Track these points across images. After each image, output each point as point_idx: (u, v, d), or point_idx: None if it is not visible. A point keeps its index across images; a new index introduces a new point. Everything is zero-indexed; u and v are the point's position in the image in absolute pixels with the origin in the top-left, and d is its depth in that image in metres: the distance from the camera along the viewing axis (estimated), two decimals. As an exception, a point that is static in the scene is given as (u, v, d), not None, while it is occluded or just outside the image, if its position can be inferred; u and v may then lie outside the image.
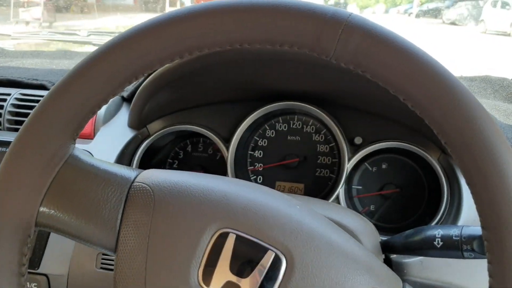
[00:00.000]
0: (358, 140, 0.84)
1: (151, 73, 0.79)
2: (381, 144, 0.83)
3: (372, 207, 0.87)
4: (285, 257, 0.39)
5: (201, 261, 0.39)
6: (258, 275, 0.39)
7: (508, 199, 0.34)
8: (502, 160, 0.34)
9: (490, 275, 0.35)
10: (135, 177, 0.44)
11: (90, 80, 0.40)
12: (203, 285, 0.39)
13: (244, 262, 0.39)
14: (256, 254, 0.39)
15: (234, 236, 0.40)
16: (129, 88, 0.91)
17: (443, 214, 0.77)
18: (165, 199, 0.41)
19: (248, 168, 0.95)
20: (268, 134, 0.94)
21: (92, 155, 0.83)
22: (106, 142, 0.86)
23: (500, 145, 0.34)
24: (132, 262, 0.40)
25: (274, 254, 0.39)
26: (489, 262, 0.35)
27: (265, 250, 0.39)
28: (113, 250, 0.42)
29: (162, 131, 0.88)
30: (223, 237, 0.40)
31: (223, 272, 0.39)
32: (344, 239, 0.42)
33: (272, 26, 0.38)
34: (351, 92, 0.82)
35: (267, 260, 0.39)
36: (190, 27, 0.38)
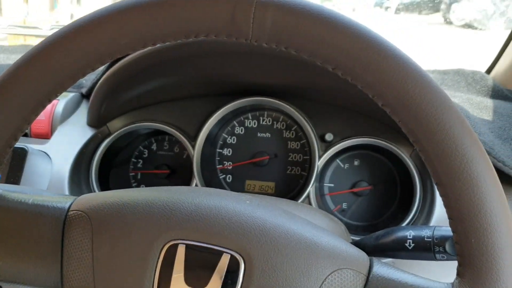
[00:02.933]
0: (329, 137, 0.81)
1: (109, 68, 0.75)
2: (352, 140, 0.80)
3: (344, 205, 0.85)
4: (242, 257, 0.36)
5: (153, 280, 0.36)
6: (216, 282, 0.36)
7: (474, 196, 0.33)
8: (463, 144, 0.33)
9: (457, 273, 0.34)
10: (70, 205, 0.41)
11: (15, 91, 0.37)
12: None
13: (199, 272, 0.37)
14: (211, 260, 0.37)
15: (184, 246, 0.37)
16: (88, 84, 0.86)
17: (416, 211, 0.74)
18: (104, 223, 0.39)
19: (217, 166, 0.91)
20: (237, 131, 0.91)
21: (50, 157, 0.79)
22: (63, 142, 0.81)
23: (460, 129, 0.33)
24: None
25: (229, 256, 0.36)
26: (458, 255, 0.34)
27: (220, 253, 0.37)
28: None
29: (123, 129, 0.83)
30: (172, 250, 0.37)
31: (179, 286, 0.36)
32: (301, 225, 0.39)
33: (183, 17, 0.36)
34: (321, 85, 0.79)
35: (224, 263, 0.36)
36: (100, 33, 0.36)
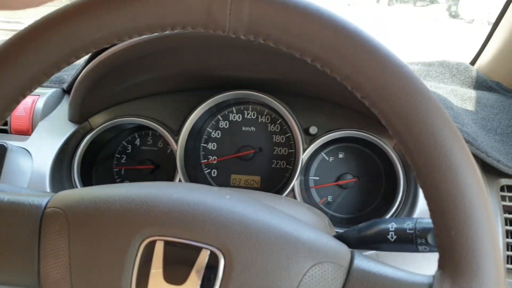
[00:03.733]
0: (313, 130, 0.81)
1: (89, 63, 0.73)
2: (336, 133, 0.80)
3: (329, 198, 0.85)
4: (221, 252, 0.36)
5: (131, 278, 0.35)
6: (196, 278, 0.35)
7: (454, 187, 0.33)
8: (442, 135, 0.33)
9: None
10: (47, 203, 0.40)
11: None
12: None
13: (178, 268, 0.36)
14: (190, 256, 0.36)
15: (162, 242, 0.36)
16: (69, 80, 0.85)
17: (399, 203, 0.74)
18: (80, 220, 0.38)
19: (202, 161, 0.90)
20: (221, 125, 0.90)
21: (30, 153, 0.78)
22: (44, 138, 0.80)
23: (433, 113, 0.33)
24: None
25: (209, 252, 0.36)
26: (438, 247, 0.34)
27: (199, 249, 0.36)
28: (36, 287, 0.38)
29: (104, 124, 0.82)
30: (150, 246, 0.36)
31: (158, 283, 0.35)
32: (281, 220, 0.39)
33: (159, 10, 0.35)
34: (305, 79, 0.78)
35: (203, 259, 0.36)
36: (73, 26, 0.35)
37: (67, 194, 0.40)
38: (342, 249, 0.38)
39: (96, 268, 0.36)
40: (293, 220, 0.40)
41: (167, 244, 0.36)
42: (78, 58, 0.38)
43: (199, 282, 0.35)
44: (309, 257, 0.36)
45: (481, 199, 0.33)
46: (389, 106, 0.34)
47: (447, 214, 0.33)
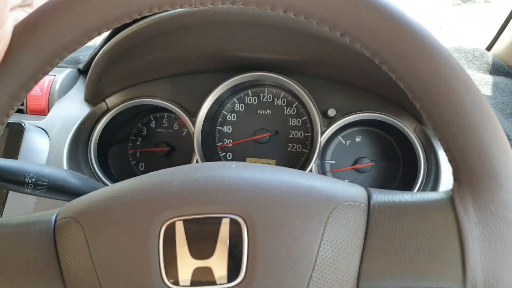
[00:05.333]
0: (331, 112, 0.80)
1: (106, 42, 0.73)
2: (355, 115, 0.79)
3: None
4: (241, 217, 0.35)
5: (159, 263, 0.35)
6: (223, 248, 0.35)
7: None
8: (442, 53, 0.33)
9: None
10: (56, 216, 0.39)
11: None
12: (171, 286, 0.35)
13: (204, 242, 0.35)
14: (212, 229, 0.35)
15: (182, 222, 0.35)
16: (85, 60, 0.84)
17: (420, 186, 0.74)
18: (94, 221, 0.37)
19: (217, 144, 0.90)
20: (237, 108, 0.89)
21: (47, 133, 0.78)
22: (61, 118, 0.79)
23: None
24: None
25: (229, 219, 0.35)
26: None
27: (219, 220, 0.35)
28: None
29: (121, 105, 0.82)
30: (170, 229, 0.35)
31: (186, 262, 0.35)
32: (291, 174, 0.39)
33: None
34: (323, 60, 0.77)
35: (225, 229, 0.35)
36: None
37: (74, 203, 0.40)
38: (357, 188, 0.38)
39: (121, 263, 0.36)
40: (303, 172, 0.40)
41: (186, 222, 0.35)
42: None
43: (227, 251, 0.35)
44: (326, 202, 0.36)
45: (481, 104, 0.33)
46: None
47: (450, 125, 0.33)
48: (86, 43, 0.37)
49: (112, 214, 0.37)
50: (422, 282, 0.34)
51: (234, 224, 0.35)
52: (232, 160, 0.90)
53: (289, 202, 0.36)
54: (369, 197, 0.37)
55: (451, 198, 0.34)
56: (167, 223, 0.35)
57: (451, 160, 0.34)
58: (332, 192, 0.36)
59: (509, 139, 0.72)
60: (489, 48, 1.10)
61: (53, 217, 0.39)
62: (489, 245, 0.32)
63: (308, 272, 0.34)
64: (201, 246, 0.35)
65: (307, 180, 0.38)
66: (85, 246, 0.36)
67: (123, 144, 0.90)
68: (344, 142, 0.85)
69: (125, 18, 0.35)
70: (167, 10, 0.37)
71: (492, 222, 0.32)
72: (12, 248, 0.38)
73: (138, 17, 0.36)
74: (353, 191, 0.37)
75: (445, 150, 0.34)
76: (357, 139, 0.85)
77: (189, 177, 0.38)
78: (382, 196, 0.36)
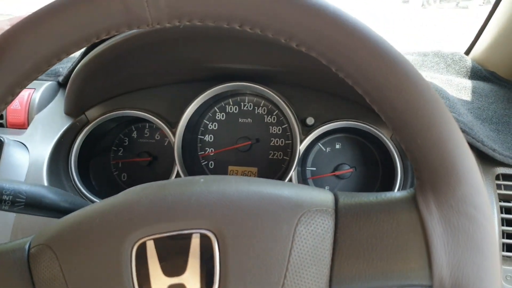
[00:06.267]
0: (310, 121, 0.81)
1: (85, 55, 0.73)
2: (333, 124, 0.80)
3: (326, 188, 0.85)
4: (211, 231, 0.36)
5: (133, 283, 0.35)
6: (195, 263, 0.35)
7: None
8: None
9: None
10: (30, 243, 0.39)
11: None
12: None
13: (175, 260, 0.36)
14: (183, 244, 0.36)
15: (152, 241, 0.36)
16: (64, 72, 0.84)
17: (398, 189, 0.75)
18: (66, 246, 0.37)
19: (199, 153, 0.90)
20: (218, 117, 0.90)
21: (27, 147, 0.78)
22: (41, 131, 0.80)
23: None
24: None
25: (199, 234, 0.36)
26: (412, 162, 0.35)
27: (189, 236, 0.36)
28: None
29: (102, 117, 0.82)
30: (141, 248, 0.36)
31: (160, 281, 0.35)
32: (259, 184, 0.39)
33: (79, 21, 0.35)
34: (300, 69, 0.78)
35: (196, 244, 0.36)
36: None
37: (46, 229, 0.40)
38: (325, 193, 0.38)
39: (96, 286, 0.36)
40: (271, 181, 0.40)
41: (157, 241, 0.36)
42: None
43: (199, 266, 0.35)
44: (294, 209, 0.36)
45: (436, 104, 0.34)
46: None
47: (408, 126, 0.34)
48: (46, 70, 0.37)
49: (84, 238, 0.37)
50: (392, 282, 0.35)
51: (204, 239, 0.35)
52: (214, 168, 0.90)
53: (257, 212, 0.36)
54: (336, 201, 0.37)
55: (414, 197, 0.35)
56: (138, 243, 0.36)
57: (412, 160, 0.35)
58: (300, 199, 0.37)
59: (483, 144, 0.74)
60: (467, 52, 1.12)
61: (27, 246, 0.39)
62: (452, 240, 0.33)
63: (280, 279, 0.35)
64: (174, 263, 0.36)
65: (275, 189, 0.38)
66: (59, 272, 0.37)
67: (105, 155, 0.90)
68: (324, 149, 0.86)
69: (84, 43, 0.36)
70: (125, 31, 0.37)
71: (454, 218, 0.33)
72: None
73: (97, 40, 0.36)
74: (321, 196, 0.38)
75: (405, 150, 0.35)
76: (337, 146, 0.86)
77: (157, 195, 0.38)
78: (349, 199, 0.37)
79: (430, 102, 0.33)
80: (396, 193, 0.36)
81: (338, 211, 0.36)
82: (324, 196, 0.38)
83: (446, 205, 0.33)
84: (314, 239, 0.35)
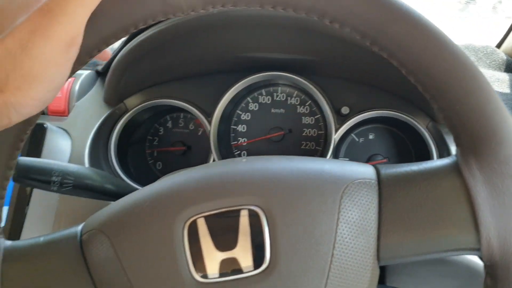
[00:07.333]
0: (345, 110, 0.82)
1: (125, 45, 0.75)
2: (368, 113, 0.80)
3: None
4: (259, 207, 0.37)
5: (186, 259, 0.37)
6: (245, 237, 0.36)
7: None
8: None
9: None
10: (81, 229, 0.41)
11: None
12: (201, 279, 0.36)
13: (226, 235, 0.37)
14: (232, 221, 0.37)
15: (203, 218, 0.37)
16: (103, 62, 0.86)
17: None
18: (118, 229, 0.39)
19: (232, 143, 0.91)
20: (251, 107, 0.91)
21: (69, 133, 0.80)
22: (82, 119, 0.82)
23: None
24: None
25: (247, 210, 0.37)
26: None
27: (237, 212, 0.37)
28: None
29: (140, 106, 0.84)
30: (193, 226, 0.37)
31: (212, 256, 0.36)
32: (301, 160, 0.40)
33: (118, 13, 0.36)
34: (336, 59, 0.79)
35: (245, 219, 0.37)
36: None
37: (96, 216, 0.41)
38: (365, 166, 0.39)
39: (151, 265, 0.37)
40: (312, 158, 0.41)
41: (207, 218, 0.37)
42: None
43: (250, 240, 0.36)
44: (338, 182, 0.37)
45: (472, 71, 0.34)
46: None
47: (446, 94, 0.34)
48: (88, 61, 0.38)
49: (136, 220, 0.38)
50: (440, 247, 0.35)
51: (253, 214, 0.36)
52: (247, 158, 0.91)
53: (302, 187, 0.37)
54: (378, 173, 0.38)
55: (456, 163, 0.36)
56: (189, 221, 0.37)
57: (451, 127, 0.35)
58: (342, 172, 0.38)
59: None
60: (499, 45, 1.11)
61: (78, 232, 0.40)
62: (497, 201, 0.33)
63: (330, 250, 0.36)
64: (225, 239, 0.37)
65: (317, 164, 0.39)
66: (114, 255, 0.38)
67: (140, 143, 0.92)
68: (357, 140, 0.87)
69: (123, 33, 0.37)
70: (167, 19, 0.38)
71: (497, 180, 0.33)
72: (44, 268, 0.39)
73: (135, 30, 0.37)
74: (362, 169, 0.38)
75: (444, 119, 0.35)
76: (370, 136, 0.87)
77: (204, 175, 0.40)
78: (390, 170, 0.38)
79: (466, 68, 0.34)
80: (437, 161, 0.37)
81: (380, 181, 0.37)
82: (365, 169, 0.38)
83: (489, 168, 0.34)
84: (359, 210, 0.36)
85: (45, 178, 0.58)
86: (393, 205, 0.36)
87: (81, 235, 0.40)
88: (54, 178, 0.59)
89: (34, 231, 0.72)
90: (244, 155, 0.91)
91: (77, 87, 0.84)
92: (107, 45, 0.38)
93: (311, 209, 0.36)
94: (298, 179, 0.37)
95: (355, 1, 0.35)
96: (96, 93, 0.85)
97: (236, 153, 0.92)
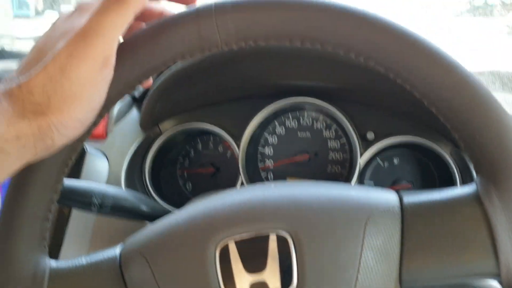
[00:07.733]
0: (370, 135, 0.84)
1: (159, 75, 0.79)
2: (394, 138, 0.82)
3: None
4: (287, 232, 0.39)
5: (218, 281, 0.39)
6: (274, 261, 0.39)
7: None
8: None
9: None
10: (120, 251, 0.43)
11: None
12: None
13: (256, 258, 0.39)
14: (261, 245, 0.39)
15: (233, 242, 0.39)
16: (140, 89, 0.91)
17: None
18: (155, 251, 0.41)
19: (259, 165, 0.95)
20: (278, 131, 0.94)
21: (106, 156, 0.85)
22: (119, 142, 0.87)
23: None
24: None
25: (275, 235, 0.39)
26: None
27: (266, 237, 0.39)
28: None
29: (174, 128, 0.88)
30: (225, 249, 0.39)
31: (243, 278, 0.39)
32: (326, 186, 0.42)
33: (159, 49, 0.39)
34: (362, 86, 0.82)
35: (274, 243, 0.39)
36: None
37: (134, 239, 0.44)
38: (389, 192, 0.41)
39: (184, 286, 0.40)
40: (337, 184, 0.44)
41: (238, 242, 0.39)
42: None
43: (278, 265, 0.38)
44: (363, 209, 0.39)
45: (491, 103, 0.36)
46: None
47: (467, 125, 0.36)
48: (129, 93, 0.42)
49: (171, 245, 0.41)
50: (460, 273, 0.37)
51: (281, 239, 0.39)
52: (273, 180, 0.94)
53: (328, 213, 0.39)
54: (401, 200, 0.40)
55: (476, 191, 0.38)
56: (221, 245, 0.39)
57: (471, 156, 0.38)
58: (367, 199, 0.40)
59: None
60: (524, 70, 1.12)
61: (117, 252, 0.43)
62: None
63: (354, 275, 0.38)
64: (254, 261, 0.39)
65: (342, 190, 0.42)
66: (151, 276, 0.40)
67: (172, 165, 0.96)
68: (382, 164, 0.89)
69: (162, 67, 0.40)
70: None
71: None
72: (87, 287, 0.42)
73: (172, 65, 0.40)
74: (386, 196, 0.41)
75: (465, 148, 0.38)
76: (395, 161, 0.88)
77: (234, 200, 0.42)
78: (413, 198, 0.39)
79: (486, 100, 0.36)
80: (458, 188, 0.39)
81: (403, 209, 0.39)
82: (389, 196, 0.41)
83: (508, 196, 0.36)
84: (383, 236, 0.38)
85: (86, 200, 0.62)
86: (416, 233, 0.38)
87: (121, 257, 0.43)
88: (94, 200, 0.63)
89: (73, 250, 0.76)
90: (270, 177, 0.94)
91: (115, 112, 0.89)
92: (147, 78, 0.41)
93: (337, 235, 0.39)
94: (324, 206, 0.40)
95: (377, 36, 0.38)
96: (133, 117, 0.90)
97: (263, 175, 0.95)
